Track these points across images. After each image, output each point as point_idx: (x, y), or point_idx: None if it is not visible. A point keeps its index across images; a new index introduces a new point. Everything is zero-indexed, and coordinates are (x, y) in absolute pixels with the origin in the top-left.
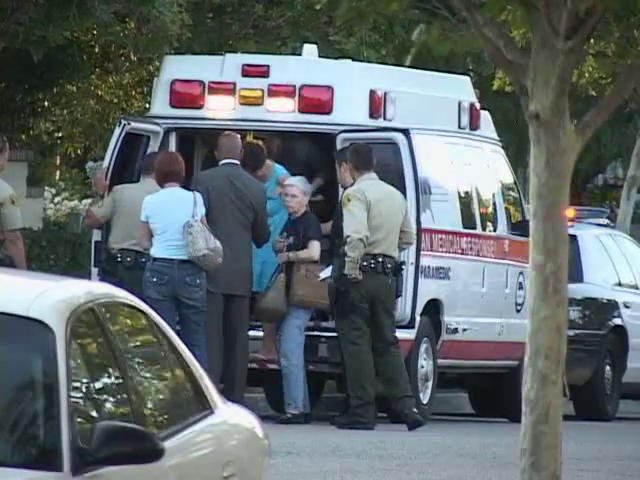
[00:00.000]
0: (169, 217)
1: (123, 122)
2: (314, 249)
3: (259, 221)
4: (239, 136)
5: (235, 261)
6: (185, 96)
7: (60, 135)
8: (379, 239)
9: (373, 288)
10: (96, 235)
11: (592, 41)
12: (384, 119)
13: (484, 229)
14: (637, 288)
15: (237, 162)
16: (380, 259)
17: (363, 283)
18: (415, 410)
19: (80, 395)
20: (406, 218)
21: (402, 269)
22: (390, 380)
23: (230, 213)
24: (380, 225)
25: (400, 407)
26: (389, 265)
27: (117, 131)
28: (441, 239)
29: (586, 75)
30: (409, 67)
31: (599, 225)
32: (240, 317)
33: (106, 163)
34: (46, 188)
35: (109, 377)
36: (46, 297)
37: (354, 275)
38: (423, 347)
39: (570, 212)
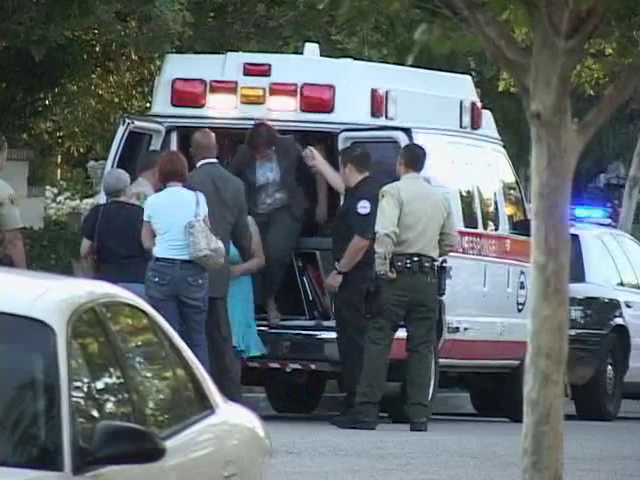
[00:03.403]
0: (171, 217)
1: (127, 121)
2: None
3: (242, 221)
4: (212, 133)
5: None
6: (186, 95)
7: (61, 134)
8: (411, 238)
9: (410, 288)
10: None
11: (591, 41)
12: (386, 118)
13: (485, 228)
14: (639, 288)
15: (215, 160)
16: (416, 258)
17: (398, 284)
18: (424, 419)
19: (81, 395)
20: (448, 220)
21: (445, 268)
22: (409, 382)
23: (217, 216)
24: (413, 224)
25: (410, 413)
26: (426, 264)
27: (121, 130)
28: None
29: (582, 75)
30: (410, 66)
31: (601, 225)
32: (220, 319)
33: (110, 162)
34: (47, 187)
35: (110, 377)
36: (47, 297)
37: (383, 271)
38: None
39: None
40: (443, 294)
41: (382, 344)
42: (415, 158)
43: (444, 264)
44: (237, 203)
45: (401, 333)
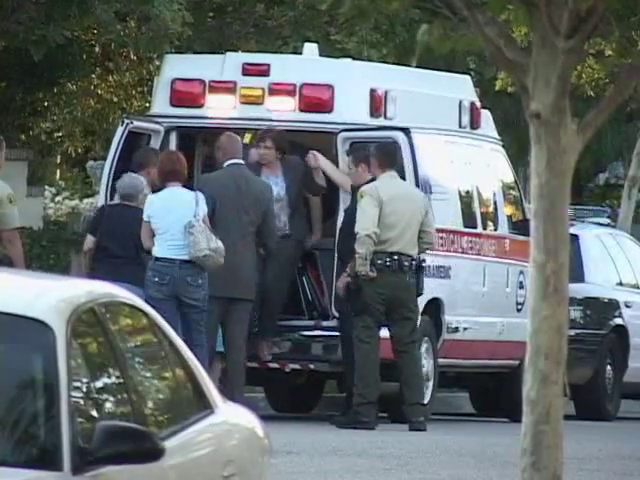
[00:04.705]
0: (170, 217)
1: (126, 121)
2: None
3: (267, 223)
4: (239, 137)
5: (240, 266)
6: (185, 95)
7: (60, 134)
8: (392, 237)
9: (390, 287)
10: None
11: (591, 41)
12: (385, 118)
13: (485, 228)
14: (638, 288)
15: (242, 162)
16: (396, 257)
17: (379, 282)
18: (422, 419)
19: (80, 395)
20: (427, 218)
21: (422, 267)
22: (403, 383)
23: (236, 217)
24: (394, 223)
25: (408, 413)
26: (406, 263)
27: (120, 130)
28: (442, 238)
29: (584, 75)
30: (410, 66)
31: (600, 225)
32: (240, 320)
33: (108, 162)
34: (46, 187)
35: (109, 377)
36: (46, 297)
37: (364, 272)
38: (424, 346)
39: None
40: (421, 294)
41: (372, 342)
42: (390, 156)
43: (422, 263)
44: (260, 204)
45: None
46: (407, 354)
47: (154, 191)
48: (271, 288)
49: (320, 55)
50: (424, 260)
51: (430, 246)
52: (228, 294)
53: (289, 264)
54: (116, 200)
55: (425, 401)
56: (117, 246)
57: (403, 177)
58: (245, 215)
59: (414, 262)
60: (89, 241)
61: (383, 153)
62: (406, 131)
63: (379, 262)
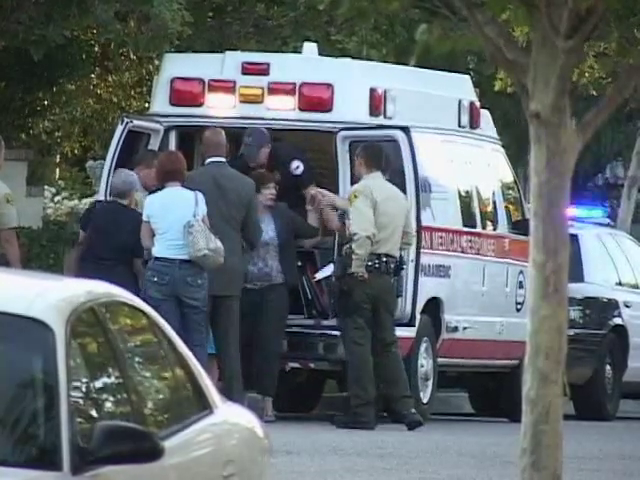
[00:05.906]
0: (170, 217)
1: (126, 120)
2: None
3: (251, 216)
4: (223, 131)
5: (225, 263)
6: (185, 94)
7: (60, 134)
8: (383, 238)
9: (377, 288)
10: None
11: (593, 41)
12: (384, 117)
13: (484, 228)
14: (637, 287)
15: (223, 160)
16: (384, 259)
17: (367, 283)
18: (413, 410)
19: (80, 395)
20: (408, 220)
21: (402, 268)
22: (389, 381)
23: (217, 214)
24: (386, 224)
25: (399, 408)
26: (392, 265)
27: (119, 129)
28: (441, 237)
29: (586, 75)
30: (409, 65)
31: (600, 224)
32: (230, 318)
33: (108, 161)
34: (46, 187)
35: (109, 377)
36: (46, 296)
37: (361, 273)
38: (423, 346)
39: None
40: (400, 295)
41: (363, 343)
42: (378, 157)
43: (403, 265)
44: (243, 200)
45: None
46: (391, 353)
47: (151, 192)
48: (266, 341)
49: (320, 55)
50: (404, 261)
51: (409, 246)
52: (214, 292)
53: (282, 313)
54: (102, 197)
55: (425, 400)
56: (104, 246)
57: (402, 176)
58: (228, 212)
59: (396, 263)
60: (81, 237)
61: (370, 154)
62: (406, 130)
63: (369, 263)
